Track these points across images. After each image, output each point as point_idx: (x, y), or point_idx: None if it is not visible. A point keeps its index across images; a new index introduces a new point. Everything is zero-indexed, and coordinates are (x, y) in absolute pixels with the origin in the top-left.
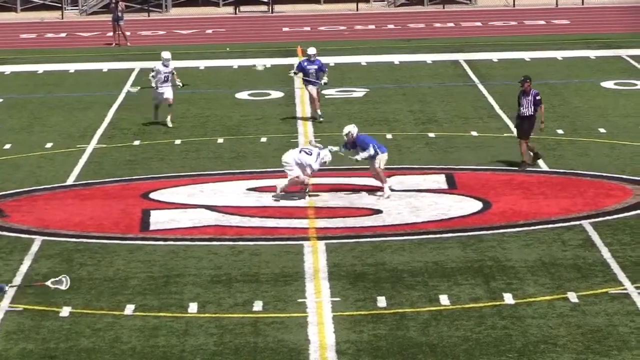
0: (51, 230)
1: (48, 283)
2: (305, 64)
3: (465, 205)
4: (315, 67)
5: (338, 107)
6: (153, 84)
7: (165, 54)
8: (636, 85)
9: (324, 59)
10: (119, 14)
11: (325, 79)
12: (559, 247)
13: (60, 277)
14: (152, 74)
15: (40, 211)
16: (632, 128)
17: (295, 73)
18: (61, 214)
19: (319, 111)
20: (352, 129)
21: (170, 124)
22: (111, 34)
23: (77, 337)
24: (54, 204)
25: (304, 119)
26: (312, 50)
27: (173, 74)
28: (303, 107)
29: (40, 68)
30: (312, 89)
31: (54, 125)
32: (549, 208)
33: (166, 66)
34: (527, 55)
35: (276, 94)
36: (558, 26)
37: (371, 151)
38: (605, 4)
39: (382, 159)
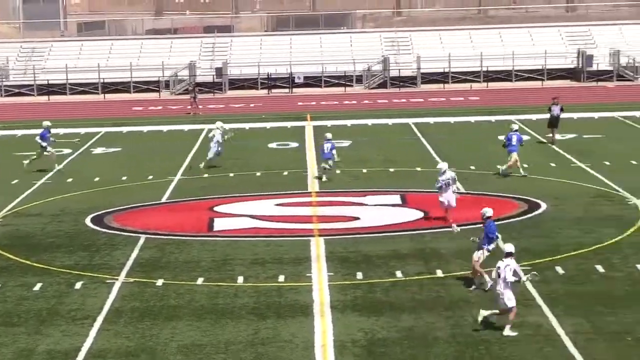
0: (151, 230)
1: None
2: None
3: None
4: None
5: None
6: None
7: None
8: None
9: None
10: (195, 94)
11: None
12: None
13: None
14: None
15: (143, 218)
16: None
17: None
18: (157, 220)
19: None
20: (487, 211)
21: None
22: (190, 106)
23: (167, 299)
24: (152, 214)
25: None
26: None
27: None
28: (311, 153)
29: (145, 128)
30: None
31: (161, 162)
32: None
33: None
34: None
35: (293, 144)
36: None
37: (494, 244)
38: None
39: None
